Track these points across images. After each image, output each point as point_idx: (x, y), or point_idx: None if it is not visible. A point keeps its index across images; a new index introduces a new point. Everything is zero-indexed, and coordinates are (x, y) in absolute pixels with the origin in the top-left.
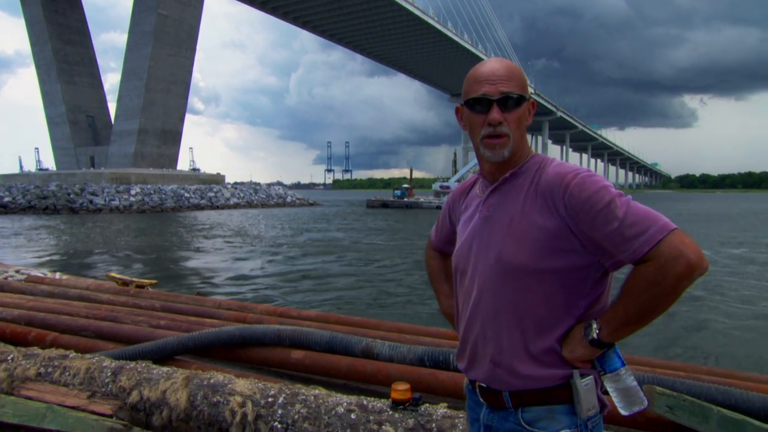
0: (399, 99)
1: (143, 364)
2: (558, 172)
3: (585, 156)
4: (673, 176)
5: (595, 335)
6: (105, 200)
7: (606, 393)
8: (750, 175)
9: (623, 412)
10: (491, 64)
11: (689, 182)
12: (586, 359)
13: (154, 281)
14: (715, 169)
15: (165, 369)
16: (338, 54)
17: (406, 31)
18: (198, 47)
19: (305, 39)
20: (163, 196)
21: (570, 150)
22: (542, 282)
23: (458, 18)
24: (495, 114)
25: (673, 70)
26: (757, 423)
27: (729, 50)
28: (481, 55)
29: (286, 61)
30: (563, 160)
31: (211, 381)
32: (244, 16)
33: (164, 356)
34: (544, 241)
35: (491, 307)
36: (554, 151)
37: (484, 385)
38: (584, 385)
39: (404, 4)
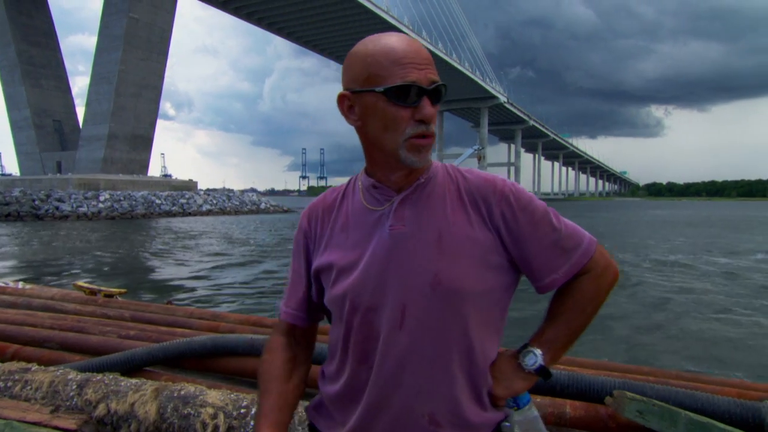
0: None
1: (111, 376)
2: (486, 178)
3: (557, 164)
4: (641, 184)
5: (541, 362)
6: (72, 207)
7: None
8: (713, 183)
9: None
10: (407, 43)
11: (656, 190)
12: (520, 393)
13: (123, 290)
14: (680, 178)
15: (134, 381)
16: (312, 60)
17: None
18: (170, 52)
19: (279, 45)
20: (134, 202)
21: (542, 158)
22: (480, 308)
23: (433, 28)
24: (430, 108)
25: (641, 80)
26: (721, 426)
27: (694, 63)
28: (455, 64)
29: (259, 66)
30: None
31: (182, 392)
32: (216, 21)
33: (133, 367)
34: (479, 257)
35: (431, 349)
36: (527, 159)
37: None
38: (508, 426)
39: (378, 12)
